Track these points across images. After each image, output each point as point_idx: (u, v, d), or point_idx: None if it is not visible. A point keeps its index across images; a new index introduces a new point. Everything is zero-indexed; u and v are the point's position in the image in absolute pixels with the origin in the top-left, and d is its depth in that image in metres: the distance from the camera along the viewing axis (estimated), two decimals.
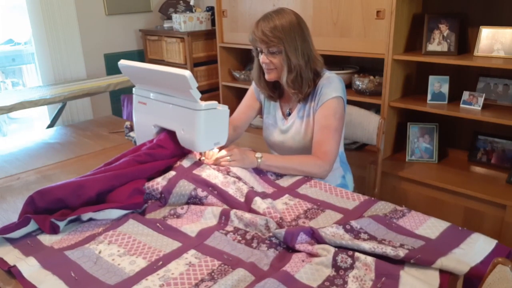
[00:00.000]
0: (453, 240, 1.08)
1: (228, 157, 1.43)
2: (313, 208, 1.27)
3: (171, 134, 1.43)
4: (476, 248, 1.05)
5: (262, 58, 1.55)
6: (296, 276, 0.95)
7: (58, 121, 2.98)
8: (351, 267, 0.98)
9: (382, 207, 1.26)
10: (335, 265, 0.98)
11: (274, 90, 1.69)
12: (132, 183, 1.28)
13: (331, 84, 1.57)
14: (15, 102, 2.30)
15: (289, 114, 1.69)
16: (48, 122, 2.95)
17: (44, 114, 3.29)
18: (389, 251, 1.00)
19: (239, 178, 1.35)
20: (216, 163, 1.43)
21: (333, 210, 1.26)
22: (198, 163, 1.39)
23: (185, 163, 1.39)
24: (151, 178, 1.35)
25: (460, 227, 1.15)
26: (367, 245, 1.01)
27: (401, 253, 0.99)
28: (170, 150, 1.40)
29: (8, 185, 1.57)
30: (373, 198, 1.32)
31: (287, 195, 1.36)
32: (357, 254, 1.00)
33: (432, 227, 1.15)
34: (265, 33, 1.48)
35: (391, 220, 1.18)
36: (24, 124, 3.47)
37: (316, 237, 1.07)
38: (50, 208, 1.18)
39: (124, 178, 1.27)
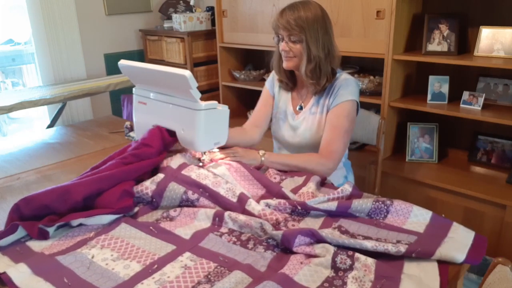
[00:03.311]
0: (440, 231, 1.11)
1: (232, 154, 1.43)
2: (297, 210, 1.24)
3: (156, 130, 1.41)
4: (461, 235, 1.10)
5: (283, 45, 1.56)
6: (295, 279, 0.94)
7: (58, 121, 2.98)
8: (351, 268, 0.97)
9: (363, 202, 1.22)
10: (334, 266, 0.98)
11: (290, 79, 1.70)
12: (120, 185, 1.24)
13: (349, 87, 1.58)
14: (15, 102, 2.30)
15: (301, 108, 1.69)
16: (48, 122, 2.95)
17: (44, 114, 3.29)
18: (390, 247, 1.01)
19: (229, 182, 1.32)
20: (216, 160, 1.42)
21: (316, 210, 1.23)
22: (186, 164, 1.36)
23: (174, 163, 1.36)
24: (140, 179, 1.32)
25: (443, 215, 1.19)
26: (369, 244, 1.02)
27: (402, 248, 1.01)
28: (155, 148, 1.38)
29: (8, 185, 1.57)
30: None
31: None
32: (357, 255, 1.00)
33: (416, 221, 1.17)
34: (289, 21, 1.51)
35: (378, 220, 1.19)
36: (24, 124, 3.47)
37: (316, 237, 1.06)
38: (37, 215, 1.14)
39: (110, 180, 1.24)
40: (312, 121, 1.64)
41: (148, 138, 1.39)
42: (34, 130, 3.36)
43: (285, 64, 1.60)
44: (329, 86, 1.61)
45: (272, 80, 1.78)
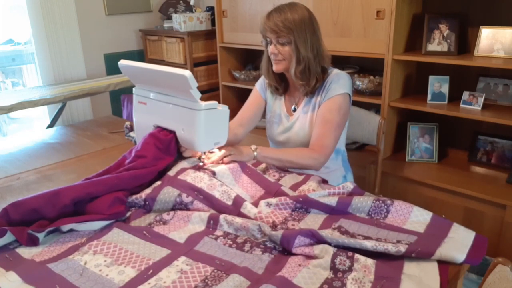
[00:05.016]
0: (440, 231, 1.11)
1: (227, 154, 1.44)
2: (297, 208, 1.24)
3: (149, 139, 1.39)
4: (461, 235, 1.10)
5: (271, 48, 1.56)
6: (294, 281, 0.94)
7: (58, 121, 2.98)
8: (350, 269, 0.97)
9: (363, 200, 1.23)
10: (333, 268, 0.98)
11: (281, 83, 1.70)
12: (113, 193, 1.21)
13: (340, 81, 1.58)
14: (15, 102, 2.30)
15: (295, 110, 1.69)
16: (48, 122, 2.95)
17: (44, 114, 3.29)
18: (390, 247, 1.01)
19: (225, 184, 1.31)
20: (216, 162, 1.43)
21: (318, 209, 1.24)
22: (183, 169, 1.35)
23: (171, 172, 1.35)
24: (135, 192, 1.30)
25: (443, 216, 1.19)
26: (369, 243, 1.02)
27: (402, 248, 1.01)
28: (150, 157, 1.35)
29: (8, 185, 1.57)
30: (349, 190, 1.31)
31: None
32: (356, 255, 1.00)
33: (416, 221, 1.17)
34: (276, 24, 1.50)
35: (378, 220, 1.19)
36: (24, 124, 3.47)
37: (316, 237, 1.06)
38: (26, 220, 1.12)
39: (102, 186, 1.21)
40: (304, 120, 1.64)
41: (142, 149, 1.37)
42: (34, 130, 3.36)
43: (275, 67, 1.60)
44: (321, 85, 1.61)
45: (263, 84, 1.78)
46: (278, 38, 1.53)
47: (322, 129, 1.56)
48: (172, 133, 1.41)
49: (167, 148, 1.40)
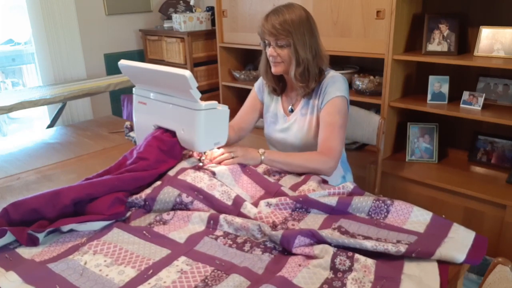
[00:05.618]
0: (440, 231, 1.11)
1: (231, 154, 1.43)
2: (297, 208, 1.24)
3: (152, 141, 1.39)
4: (461, 235, 1.10)
5: (270, 51, 1.55)
6: (294, 281, 0.94)
7: (58, 121, 2.98)
8: (350, 269, 0.97)
9: (363, 200, 1.23)
10: (333, 268, 0.98)
11: (279, 84, 1.70)
12: (113, 193, 1.22)
13: (336, 84, 1.58)
14: (15, 102, 2.30)
15: (292, 111, 1.69)
16: (48, 122, 2.95)
17: (44, 114, 3.29)
18: (390, 247, 1.01)
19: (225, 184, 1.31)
20: (218, 162, 1.43)
21: (318, 209, 1.24)
22: (183, 169, 1.35)
23: (171, 172, 1.35)
24: (136, 192, 1.30)
25: (443, 216, 1.19)
26: (369, 244, 1.02)
27: (402, 248, 1.01)
28: (152, 160, 1.35)
29: (8, 185, 1.57)
30: (349, 190, 1.31)
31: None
32: (356, 255, 1.00)
33: (416, 221, 1.17)
34: (275, 26, 1.49)
35: (378, 220, 1.19)
36: (24, 124, 3.47)
37: (316, 237, 1.07)
38: (26, 219, 1.12)
39: (103, 187, 1.21)
40: (303, 122, 1.64)
41: (144, 151, 1.37)
42: (34, 130, 3.36)
43: (274, 69, 1.59)
44: (317, 86, 1.61)
45: (261, 85, 1.78)
46: (277, 41, 1.53)
47: (326, 132, 1.56)
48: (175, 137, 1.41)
49: (171, 150, 1.40)
